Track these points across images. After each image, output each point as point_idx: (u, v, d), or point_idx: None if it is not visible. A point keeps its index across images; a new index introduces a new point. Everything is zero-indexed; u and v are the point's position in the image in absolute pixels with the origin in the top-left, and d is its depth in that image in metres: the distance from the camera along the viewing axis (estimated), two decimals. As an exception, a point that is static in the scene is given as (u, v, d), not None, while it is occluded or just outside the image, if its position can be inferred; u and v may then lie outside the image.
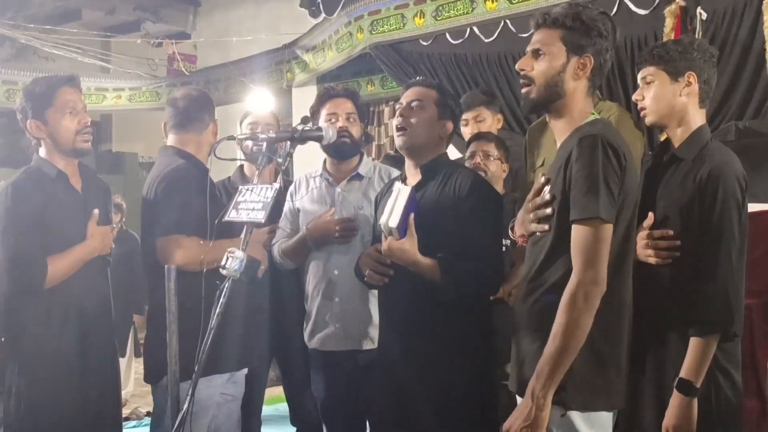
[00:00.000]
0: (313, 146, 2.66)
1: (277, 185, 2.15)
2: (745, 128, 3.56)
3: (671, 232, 2.11)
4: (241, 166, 3.42)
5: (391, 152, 6.00)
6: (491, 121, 3.61)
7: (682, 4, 3.85)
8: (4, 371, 2.66)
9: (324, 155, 3.00)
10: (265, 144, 2.34)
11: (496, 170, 3.25)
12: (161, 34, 9.86)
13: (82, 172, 2.79)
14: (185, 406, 2.03)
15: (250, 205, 2.17)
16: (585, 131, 1.92)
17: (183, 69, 9.42)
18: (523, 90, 2.03)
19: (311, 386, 3.00)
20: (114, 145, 11.47)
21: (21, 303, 2.61)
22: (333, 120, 2.88)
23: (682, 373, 2.04)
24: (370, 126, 7.38)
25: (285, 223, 3.03)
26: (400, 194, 2.31)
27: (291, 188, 3.07)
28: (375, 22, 5.82)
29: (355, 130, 2.93)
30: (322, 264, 2.87)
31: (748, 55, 3.76)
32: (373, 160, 3.18)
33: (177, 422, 2.03)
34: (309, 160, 3.29)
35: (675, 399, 2.05)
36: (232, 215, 2.20)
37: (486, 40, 5.02)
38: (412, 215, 2.30)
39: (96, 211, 2.71)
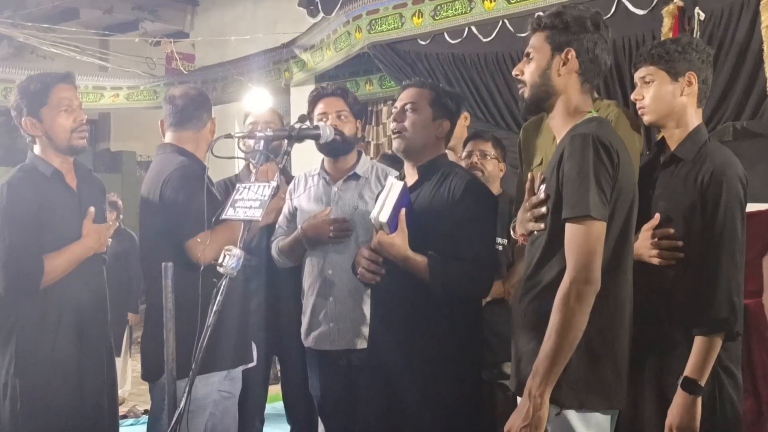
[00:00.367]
0: (313, 145, 2.66)
1: (274, 183, 2.15)
2: (743, 128, 3.57)
3: (672, 231, 2.11)
4: (248, 164, 3.41)
5: (389, 152, 5.99)
6: None
7: (680, 4, 3.85)
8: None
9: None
10: (262, 142, 2.34)
11: (493, 169, 3.25)
12: (159, 33, 9.88)
13: (77, 170, 2.76)
14: (182, 403, 2.02)
15: (247, 203, 2.16)
16: (578, 130, 1.92)
17: (181, 68, 9.43)
18: (520, 93, 2.06)
19: (308, 385, 3.01)
20: (112, 144, 11.47)
21: (16, 302, 2.58)
22: (324, 119, 2.87)
23: (687, 372, 2.04)
24: (368, 126, 7.37)
25: (283, 221, 3.03)
26: (392, 189, 2.31)
27: (290, 186, 3.07)
28: (373, 22, 5.82)
29: (348, 128, 2.91)
30: (317, 263, 2.87)
31: (746, 56, 3.77)
32: (371, 159, 3.17)
33: (174, 420, 2.02)
34: (309, 159, 3.29)
35: (679, 397, 2.05)
36: (229, 213, 2.20)
37: (484, 40, 5.03)
38: (403, 210, 2.30)
39: (92, 209, 2.69)
